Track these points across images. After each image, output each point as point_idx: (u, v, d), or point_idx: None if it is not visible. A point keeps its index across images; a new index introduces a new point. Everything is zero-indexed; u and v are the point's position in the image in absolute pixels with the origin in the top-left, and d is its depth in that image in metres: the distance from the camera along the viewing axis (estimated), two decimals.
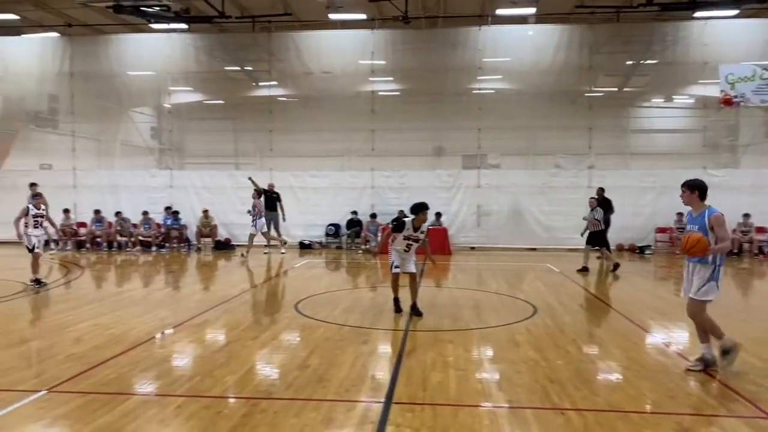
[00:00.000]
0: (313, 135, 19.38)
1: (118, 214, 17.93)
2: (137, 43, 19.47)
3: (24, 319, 8.31)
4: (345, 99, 18.89)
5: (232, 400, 4.95)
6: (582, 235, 13.34)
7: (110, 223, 18.09)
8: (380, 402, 4.88)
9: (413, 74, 19.12)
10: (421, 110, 19.17)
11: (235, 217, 18.49)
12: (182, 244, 18.04)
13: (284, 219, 16.92)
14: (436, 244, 16.71)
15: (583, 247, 13.48)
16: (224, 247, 17.93)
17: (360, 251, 17.16)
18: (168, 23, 17.83)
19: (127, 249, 17.49)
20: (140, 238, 17.66)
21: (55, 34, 19.81)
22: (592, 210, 13.13)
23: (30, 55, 19.84)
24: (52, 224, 11.60)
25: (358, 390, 5.22)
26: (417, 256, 8.47)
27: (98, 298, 10.38)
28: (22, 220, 10.65)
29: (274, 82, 19.85)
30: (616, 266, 12.85)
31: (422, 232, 8.15)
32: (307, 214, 18.46)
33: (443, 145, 19.58)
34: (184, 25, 18.36)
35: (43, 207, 10.94)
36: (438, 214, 17.57)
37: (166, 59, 19.00)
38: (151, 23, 18.14)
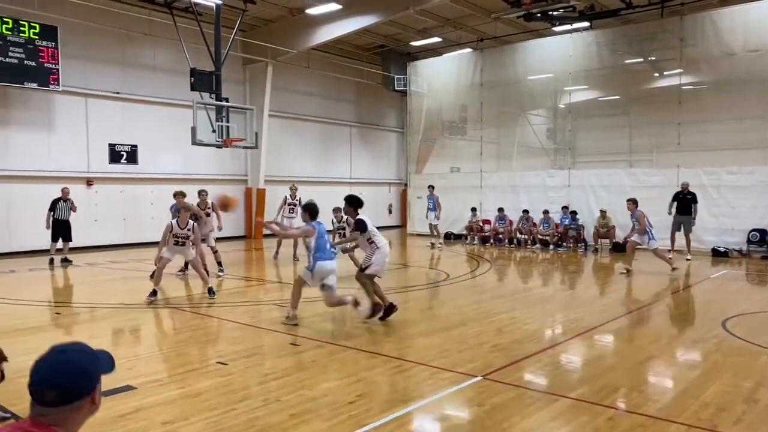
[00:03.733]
0: (730, 125, 16.77)
1: (525, 212, 18.86)
2: (539, 48, 20.17)
3: (447, 305, 9.35)
4: None
5: (668, 424, 4.47)
6: None
7: (511, 221, 19.23)
8: None
9: None
10: None
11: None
12: (579, 244, 17.91)
13: (694, 222, 15.05)
14: None
15: None
16: (622, 249, 17.01)
17: None
18: (571, 24, 17.91)
19: (527, 246, 18.29)
20: (539, 236, 18.27)
21: (468, 50, 22.14)
22: None
23: (448, 72, 22.69)
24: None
25: None
26: None
27: (509, 292, 11.07)
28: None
29: (680, 70, 17.86)
30: None
31: None
32: (721, 216, 16.09)
33: None
34: (586, 24, 18.14)
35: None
36: None
37: (567, 60, 19.09)
38: (556, 26, 18.49)
